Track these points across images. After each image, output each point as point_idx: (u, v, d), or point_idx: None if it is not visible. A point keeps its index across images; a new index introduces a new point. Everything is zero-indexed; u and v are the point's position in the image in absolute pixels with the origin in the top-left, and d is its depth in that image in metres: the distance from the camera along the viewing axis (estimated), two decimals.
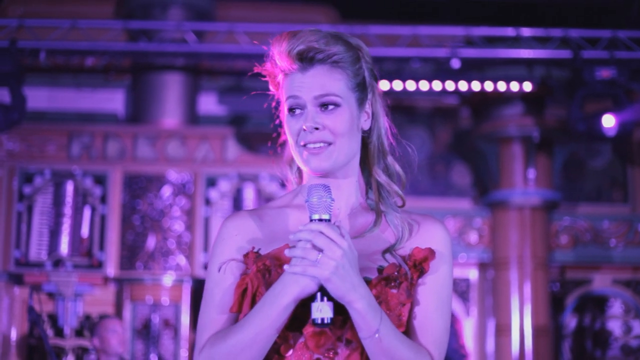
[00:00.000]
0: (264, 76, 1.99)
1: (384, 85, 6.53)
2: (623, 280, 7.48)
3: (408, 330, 1.86)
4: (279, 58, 1.91)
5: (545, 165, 7.28)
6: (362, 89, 1.95)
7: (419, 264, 1.88)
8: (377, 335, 1.76)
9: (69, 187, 6.96)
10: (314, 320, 1.76)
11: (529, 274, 7.13)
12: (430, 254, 1.89)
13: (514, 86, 6.91)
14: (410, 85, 6.85)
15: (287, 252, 1.76)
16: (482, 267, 7.42)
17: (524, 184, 7.21)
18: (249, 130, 7.28)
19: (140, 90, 7.41)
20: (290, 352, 1.83)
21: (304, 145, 1.90)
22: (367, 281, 1.81)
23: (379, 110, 2.00)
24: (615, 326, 7.42)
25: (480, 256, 7.38)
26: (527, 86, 6.92)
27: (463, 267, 7.34)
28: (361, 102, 1.95)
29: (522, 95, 7.07)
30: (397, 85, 6.83)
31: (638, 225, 7.48)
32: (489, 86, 6.90)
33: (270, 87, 2.00)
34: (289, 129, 1.93)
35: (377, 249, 1.91)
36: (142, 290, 6.96)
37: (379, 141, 1.99)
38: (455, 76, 6.78)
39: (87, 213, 6.96)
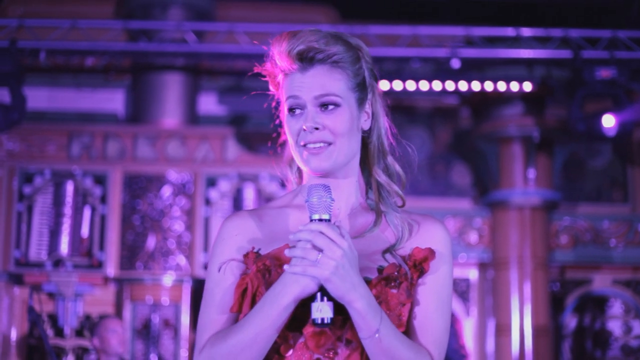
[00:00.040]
0: (264, 76, 1.99)
1: (384, 85, 6.52)
2: (623, 280, 7.48)
3: (408, 331, 1.86)
4: (279, 58, 1.91)
5: (545, 165, 7.28)
6: (362, 89, 1.95)
7: (419, 264, 1.88)
8: (377, 335, 1.76)
9: (69, 187, 6.96)
10: (314, 320, 1.76)
11: (529, 274, 7.13)
12: (430, 254, 1.89)
13: (514, 86, 6.90)
14: (410, 85, 6.85)
15: (287, 252, 1.76)
16: (482, 267, 7.42)
17: (524, 184, 7.21)
18: (249, 130, 7.28)
19: (140, 90, 7.41)
20: (290, 352, 1.83)
21: (304, 145, 1.90)
22: (367, 281, 1.81)
23: (379, 110, 2.00)
24: (615, 326, 7.42)
25: (480, 256, 7.38)
26: (527, 86, 6.92)
27: (463, 267, 7.34)
28: (361, 102, 1.95)
29: (522, 95, 7.07)
30: (397, 85, 6.83)
31: (638, 225, 7.48)
32: (489, 86, 6.90)
33: (271, 87, 2.00)
34: (289, 129, 1.93)
35: (377, 249, 1.91)
36: (142, 290, 6.96)
37: (379, 141, 1.99)
38: (455, 76, 6.78)
39: (87, 213, 6.96)
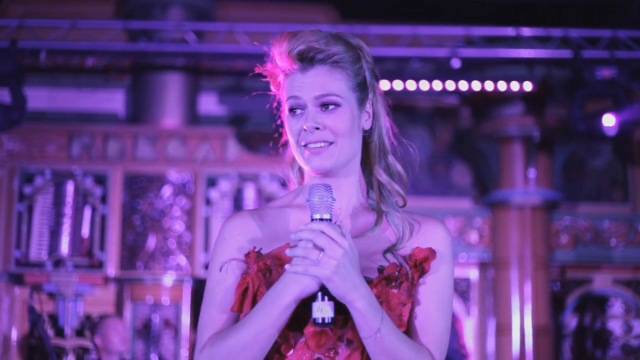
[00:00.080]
0: (265, 76, 1.99)
1: (384, 85, 6.52)
2: (623, 280, 7.48)
3: (409, 330, 1.86)
4: (279, 58, 1.92)
5: (545, 164, 7.28)
6: (362, 89, 1.95)
7: (420, 264, 1.88)
8: (378, 334, 1.76)
9: (70, 187, 6.96)
10: (314, 319, 1.76)
11: (530, 273, 7.13)
12: (431, 253, 1.89)
13: (515, 86, 6.90)
14: (411, 85, 6.85)
15: (288, 252, 1.76)
16: (483, 266, 7.42)
17: (525, 184, 7.20)
18: (249, 130, 7.28)
19: (141, 90, 7.41)
20: (291, 351, 1.83)
21: (305, 145, 1.91)
22: (368, 281, 1.81)
23: (380, 110, 2.00)
24: (615, 326, 7.41)
25: (481, 256, 7.37)
26: (528, 86, 6.92)
27: (463, 267, 7.34)
28: (362, 101, 1.95)
29: (522, 95, 7.06)
30: (398, 85, 6.82)
31: (638, 225, 7.47)
32: (489, 86, 6.90)
33: (272, 87, 2.00)
34: (290, 129, 1.93)
35: (378, 248, 1.91)
36: (143, 290, 6.96)
37: (380, 141, 1.99)
38: (456, 76, 6.78)
39: (87, 213, 6.96)
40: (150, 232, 7.01)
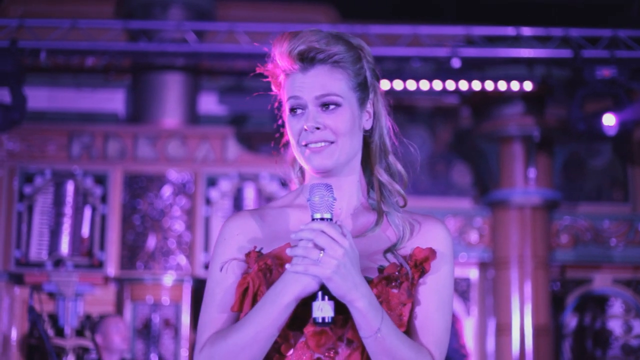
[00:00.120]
0: (266, 76, 1.99)
1: (384, 84, 6.51)
2: (623, 279, 7.48)
3: (409, 330, 1.86)
4: (280, 58, 1.92)
5: (545, 164, 7.28)
6: (363, 89, 1.95)
7: (420, 264, 1.88)
8: (378, 334, 1.76)
9: (70, 187, 6.96)
10: (314, 319, 1.76)
11: (530, 273, 7.13)
12: (431, 253, 1.89)
13: (515, 85, 6.90)
14: (411, 85, 6.85)
15: (288, 251, 1.76)
16: (483, 266, 7.42)
17: (525, 184, 7.20)
18: (249, 130, 7.28)
19: (141, 90, 7.41)
20: (291, 351, 1.83)
21: (306, 145, 1.91)
22: (368, 281, 1.81)
23: (380, 109, 2.00)
24: (615, 326, 7.42)
25: (481, 255, 7.38)
26: (528, 85, 6.92)
27: (463, 267, 7.34)
28: (362, 101, 1.96)
29: (522, 94, 7.06)
30: (398, 84, 6.82)
31: (638, 224, 7.47)
32: (489, 85, 6.90)
33: (272, 87, 2.00)
34: (291, 129, 1.93)
35: (379, 248, 1.91)
36: (143, 290, 6.96)
37: (381, 140, 1.99)
38: (456, 75, 6.78)
39: (87, 213, 6.96)
40: (150, 232, 7.01)
